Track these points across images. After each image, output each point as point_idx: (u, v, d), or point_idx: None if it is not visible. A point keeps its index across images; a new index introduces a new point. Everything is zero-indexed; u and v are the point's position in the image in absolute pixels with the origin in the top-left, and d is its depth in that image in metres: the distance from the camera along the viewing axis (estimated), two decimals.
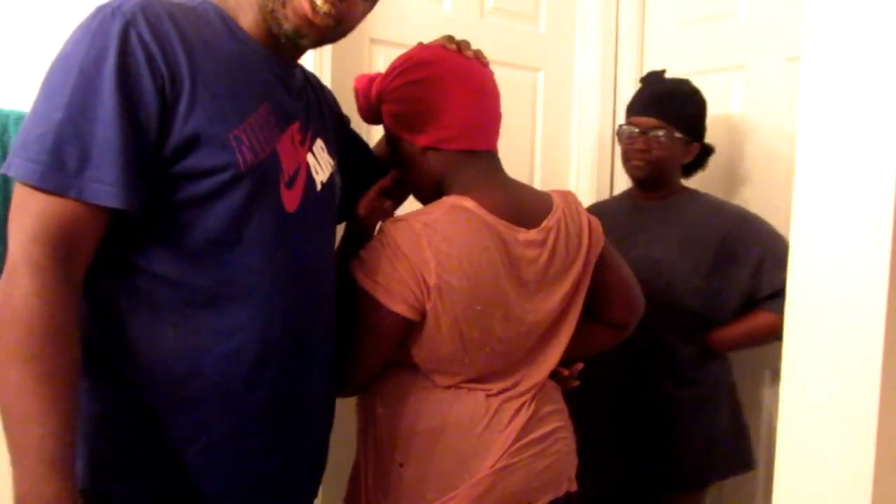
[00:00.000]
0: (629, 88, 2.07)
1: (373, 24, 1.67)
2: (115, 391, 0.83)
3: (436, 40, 1.08)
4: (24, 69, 1.28)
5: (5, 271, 0.73)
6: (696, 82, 1.92)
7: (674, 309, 1.51)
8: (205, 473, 0.85)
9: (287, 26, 0.85)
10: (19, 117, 1.23)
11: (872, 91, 0.78)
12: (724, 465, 1.55)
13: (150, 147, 0.77)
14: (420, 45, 1.09)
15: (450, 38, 1.08)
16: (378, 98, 1.08)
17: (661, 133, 1.54)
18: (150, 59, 0.76)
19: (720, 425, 1.54)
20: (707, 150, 1.65)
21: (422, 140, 1.04)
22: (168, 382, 0.83)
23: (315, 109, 1.02)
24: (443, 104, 1.02)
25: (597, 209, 1.79)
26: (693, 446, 1.53)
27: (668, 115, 1.55)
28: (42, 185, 0.72)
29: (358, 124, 1.21)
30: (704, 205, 1.60)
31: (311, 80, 1.05)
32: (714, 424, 1.54)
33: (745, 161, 1.82)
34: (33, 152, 0.72)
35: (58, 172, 0.72)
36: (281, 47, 0.91)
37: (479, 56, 1.09)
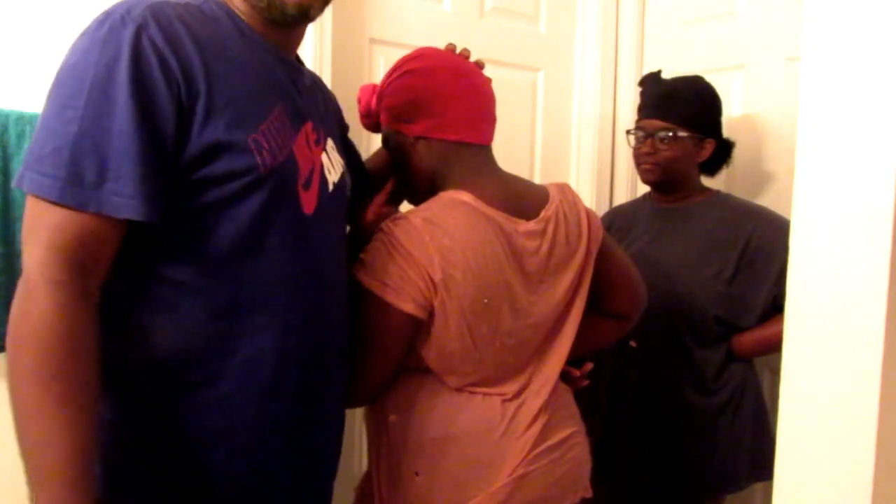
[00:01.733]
0: (629, 88, 2.07)
1: (373, 24, 1.67)
2: (131, 399, 0.82)
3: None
4: (25, 69, 1.28)
5: (21, 288, 0.71)
6: None
7: (696, 315, 1.48)
8: (223, 482, 0.83)
9: (291, 10, 0.84)
10: (19, 117, 1.23)
11: (872, 91, 0.78)
12: (747, 472, 1.52)
13: (168, 155, 0.75)
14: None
15: (450, 45, 1.12)
16: (378, 101, 1.09)
17: (665, 134, 1.51)
18: (164, 65, 0.74)
19: (743, 432, 1.51)
20: (726, 145, 1.60)
21: (414, 129, 1.05)
22: (187, 390, 0.82)
23: (323, 108, 1.02)
24: (434, 93, 1.03)
25: (617, 212, 1.79)
26: (714, 454, 1.50)
27: (671, 114, 1.52)
28: (61, 201, 0.70)
29: (358, 133, 1.21)
30: (728, 206, 1.56)
31: (315, 80, 1.05)
32: (736, 432, 1.51)
33: (745, 161, 1.81)
34: (49, 166, 0.70)
35: (76, 187, 0.70)
36: (283, 38, 0.90)
37: (477, 63, 1.12)
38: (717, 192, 1.62)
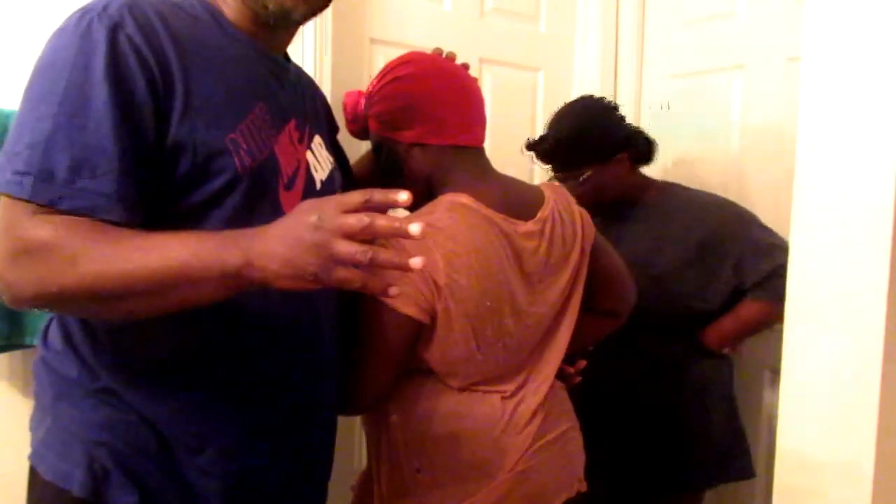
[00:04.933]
0: (629, 89, 2.07)
1: (373, 24, 1.67)
2: (118, 400, 0.80)
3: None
4: (25, 69, 1.27)
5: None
6: (696, 82, 1.92)
7: (653, 309, 1.48)
8: (210, 485, 0.83)
9: (272, 6, 0.82)
10: None
11: (872, 91, 0.78)
12: (716, 471, 1.52)
13: (148, 154, 0.73)
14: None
15: (437, 49, 1.12)
16: (366, 107, 1.09)
17: (572, 182, 1.51)
18: (141, 61, 0.73)
19: (710, 430, 1.51)
20: (638, 144, 1.56)
21: (408, 136, 1.04)
22: (173, 393, 0.81)
23: (311, 105, 1.00)
24: (427, 98, 1.03)
25: None
26: (677, 451, 1.50)
27: (563, 164, 1.52)
28: (32, 198, 0.67)
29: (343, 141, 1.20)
30: (683, 200, 1.57)
31: (303, 77, 1.03)
32: (702, 429, 1.51)
33: (745, 161, 1.82)
34: (21, 164, 0.68)
35: (47, 184, 0.68)
36: (270, 35, 0.88)
37: (463, 65, 1.12)
38: (664, 187, 1.61)
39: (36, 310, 1.12)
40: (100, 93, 0.70)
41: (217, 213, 0.78)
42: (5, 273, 0.68)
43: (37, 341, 1.22)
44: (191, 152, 0.75)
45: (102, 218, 0.70)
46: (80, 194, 0.69)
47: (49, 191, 0.68)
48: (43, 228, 0.68)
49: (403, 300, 0.95)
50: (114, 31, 0.72)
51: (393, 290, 0.65)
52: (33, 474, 0.83)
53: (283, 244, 0.64)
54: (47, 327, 0.88)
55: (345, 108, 1.15)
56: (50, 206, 0.68)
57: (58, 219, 0.68)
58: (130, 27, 0.73)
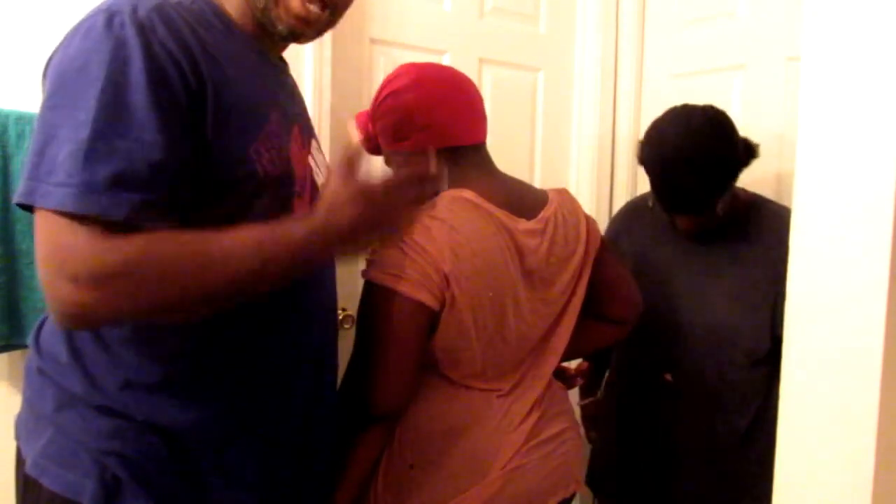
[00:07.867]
0: (629, 88, 2.07)
1: (373, 24, 1.67)
2: (124, 407, 0.79)
3: None
4: (24, 69, 1.28)
5: (86, 280, 0.65)
6: (697, 82, 1.92)
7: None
8: (229, 488, 0.83)
9: (281, 27, 0.83)
10: (19, 117, 1.23)
11: (872, 91, 0.78)
12: None
13: (186, 161, 0.72)
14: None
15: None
16: (373, 125, 1.11)
17: (705, 220, 1.32)
18: (177, 67, 0.71)
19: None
20: (741, 155, 1.28)
21: (407, 146, 1.06)
22: (193, 401, 0.80)
23: (305, 108, 1.01)
24: (419, 108, 1.05)
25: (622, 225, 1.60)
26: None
27: (706, 207, 1.26)
28: (76, 211, 0.65)
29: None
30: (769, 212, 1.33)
31: (293, 79, 1.03)
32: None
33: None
34: (63, 175, 0.66)
35: (91, 195, 0.66)
36: (273, 41, 0.89)
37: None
38: (758, 202, 1.39)
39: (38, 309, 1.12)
40: (141, 99, 0.68)
41: (241, 223, 0.77)
42: (82, 296, 0.65)
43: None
44: (220, 162, 0.75)
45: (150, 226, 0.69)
46: (124, 204, 0.67)
47: (93, 202, 0.66)
48: (127, 246, 0.66)
49: (414, 286, 0.96)
50: (147, 36, 0.70)
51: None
52: (34, 486, 0.80)
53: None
54: (38, 331, 0.86)
55: (359, 131, 1.18)
56: (94, 218, 0.66)
57: (134, 237, 0.67)
58: (162, 33, 0.72)
